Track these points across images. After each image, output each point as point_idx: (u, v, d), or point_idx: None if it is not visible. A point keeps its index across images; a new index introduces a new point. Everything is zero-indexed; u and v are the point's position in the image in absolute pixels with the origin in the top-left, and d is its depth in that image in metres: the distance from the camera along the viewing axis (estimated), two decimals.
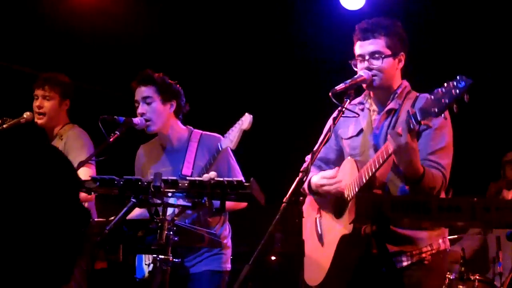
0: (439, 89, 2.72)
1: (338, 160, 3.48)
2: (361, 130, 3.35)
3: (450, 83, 2.69)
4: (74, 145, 4.41)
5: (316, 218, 3.44)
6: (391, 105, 3.27)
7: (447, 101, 2.67)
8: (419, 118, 2.80)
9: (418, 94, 3.29)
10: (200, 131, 4.06)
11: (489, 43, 6.01)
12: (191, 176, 3.79)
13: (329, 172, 3.31)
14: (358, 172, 3.12)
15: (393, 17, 3.36)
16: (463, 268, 4.82)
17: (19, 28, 6.04)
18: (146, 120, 3.91)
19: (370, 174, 3.02)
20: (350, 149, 3.38)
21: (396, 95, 3.28)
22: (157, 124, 3.95)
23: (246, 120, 3.65)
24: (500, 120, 6.16)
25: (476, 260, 5.54)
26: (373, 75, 3.24)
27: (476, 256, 5.60)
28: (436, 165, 3.09)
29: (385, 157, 2.96)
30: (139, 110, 3.93)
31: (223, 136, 3.72)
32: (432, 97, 2.75)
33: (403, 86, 3.32)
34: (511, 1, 5.77)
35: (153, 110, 3.92)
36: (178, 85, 4.05)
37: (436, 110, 2.72)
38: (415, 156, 2.92)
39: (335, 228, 3.25)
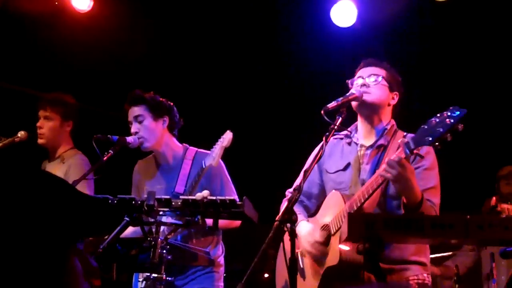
0: (433, 119, 2.71)
1: (320, 195, 3.45)
2: (348, 164, 3.32)
3: (444, 113, 2.68)
4: (76, 173, 4.42)
5: (297, 253, 3.33)
6: (381, 141, 3.27)
7: (441, 130, 2.66)
8: (412, 147, 2.79)
9: (405, 133, 3.27)
10: (196, 149, 4.09)
11: (481, 61, 6.05)
12: (184, 193, 3.82)
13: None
14: (344, 204, 3.10)
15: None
16: (457, 285, 4.82)
17: (20, 51, 6.09)
18: (139, 138, 3.95)
19: (359, 205, 3.00)
20: (335, 184, 3.34)
21: (386, 131, 3.29)
22: (151, 141, 3.98)
23: (226, 138, 3.68)
24: (494, 135, 6.17)
25: (470, 276, 5.53)
26: (364, 92, 3.25)
27: (470, 273, 5.59)
28: (428, 202, 3.06)
29: (375, 187, 2.96)
30: (132, 129, 3.98)
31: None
32: (426, 126, 2.73)
33: (391, 124, 3.34)
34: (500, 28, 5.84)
35: (145, 127, 3.96)
36: (169, 102, 4.08)
37: (430, 138, 2.69)
38: (414, 180, 2.92)
39: (319, 261, 3.21)
